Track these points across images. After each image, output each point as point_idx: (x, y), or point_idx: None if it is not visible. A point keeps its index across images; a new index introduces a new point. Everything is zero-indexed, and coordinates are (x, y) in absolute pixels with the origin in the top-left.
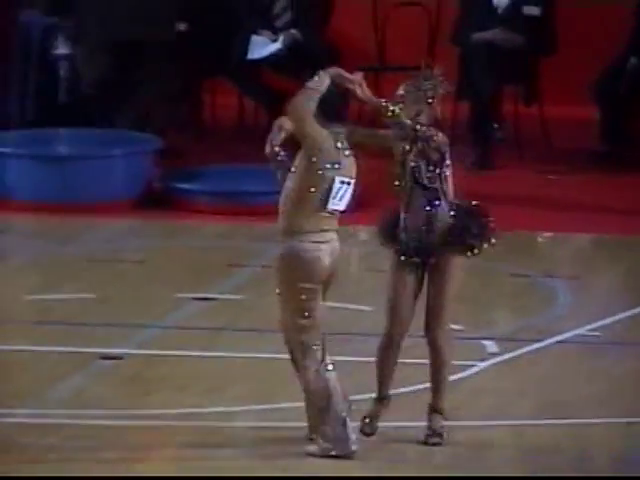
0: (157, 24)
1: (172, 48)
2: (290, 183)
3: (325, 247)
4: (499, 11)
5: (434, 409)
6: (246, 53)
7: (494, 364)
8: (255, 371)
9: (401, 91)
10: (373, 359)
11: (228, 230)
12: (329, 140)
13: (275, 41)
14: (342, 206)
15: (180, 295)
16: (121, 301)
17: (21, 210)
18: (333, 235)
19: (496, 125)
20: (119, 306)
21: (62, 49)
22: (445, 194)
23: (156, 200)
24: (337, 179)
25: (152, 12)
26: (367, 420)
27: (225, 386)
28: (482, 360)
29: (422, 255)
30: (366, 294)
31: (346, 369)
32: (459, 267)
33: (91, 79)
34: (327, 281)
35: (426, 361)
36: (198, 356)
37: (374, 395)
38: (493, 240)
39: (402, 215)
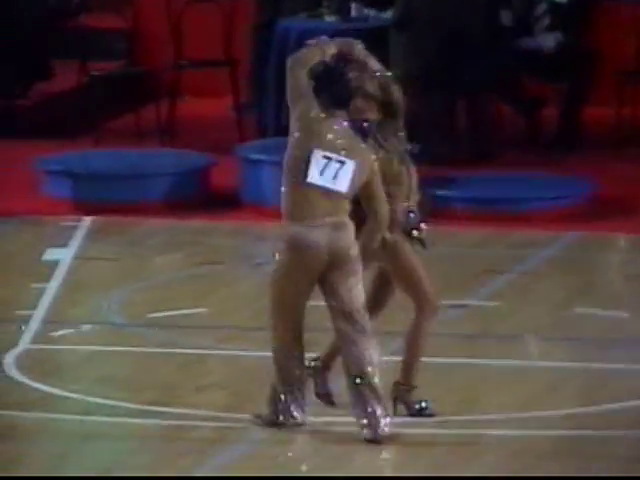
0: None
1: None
2: None
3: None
4: None
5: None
6: None
7: None
8: (511, 379)
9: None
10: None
11: (486, 237)
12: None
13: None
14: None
15: None
16: None
17: (278, 217)
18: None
19: None
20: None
21: None
22: None
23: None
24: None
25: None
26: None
27: (480, 394)
28: None
29: None
30: (625, 301)
31: (604, 376)
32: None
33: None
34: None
35: None
36: (452, 364)
37: None
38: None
39: None
